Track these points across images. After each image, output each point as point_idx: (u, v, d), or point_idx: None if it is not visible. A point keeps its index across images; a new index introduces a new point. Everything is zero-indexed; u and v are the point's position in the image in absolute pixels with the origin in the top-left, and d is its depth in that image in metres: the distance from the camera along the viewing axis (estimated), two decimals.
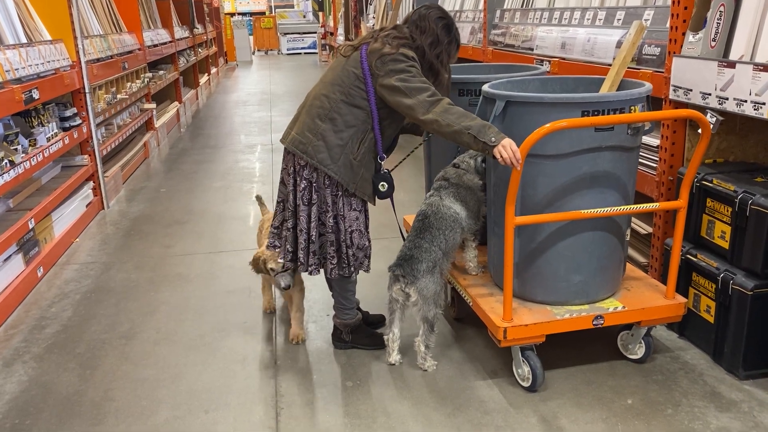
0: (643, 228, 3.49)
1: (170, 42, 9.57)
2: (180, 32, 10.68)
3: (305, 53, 23.39)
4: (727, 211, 2.73)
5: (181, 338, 3.25)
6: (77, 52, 5.04)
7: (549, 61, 4.32)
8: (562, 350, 2.91)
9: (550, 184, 2.62)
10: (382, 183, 2.88)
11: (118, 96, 6.20)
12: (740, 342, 2.68)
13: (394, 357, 2.93)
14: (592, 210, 2.56)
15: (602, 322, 2.70)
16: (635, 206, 2.67)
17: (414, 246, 2.83)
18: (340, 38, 15.55)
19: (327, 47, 20.03)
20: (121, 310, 3.59)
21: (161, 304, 3.65)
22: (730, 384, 2.69)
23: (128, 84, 6.71)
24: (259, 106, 11.11)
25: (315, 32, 22.84)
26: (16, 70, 3.90)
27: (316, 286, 3.65)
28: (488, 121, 2.63)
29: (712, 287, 2.81)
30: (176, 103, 9.87)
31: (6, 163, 3.62)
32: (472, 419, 2.53)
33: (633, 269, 3.08)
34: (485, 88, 2.79)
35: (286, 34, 23.47)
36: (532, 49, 4.71)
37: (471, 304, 2.92)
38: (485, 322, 2.76)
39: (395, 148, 3.03)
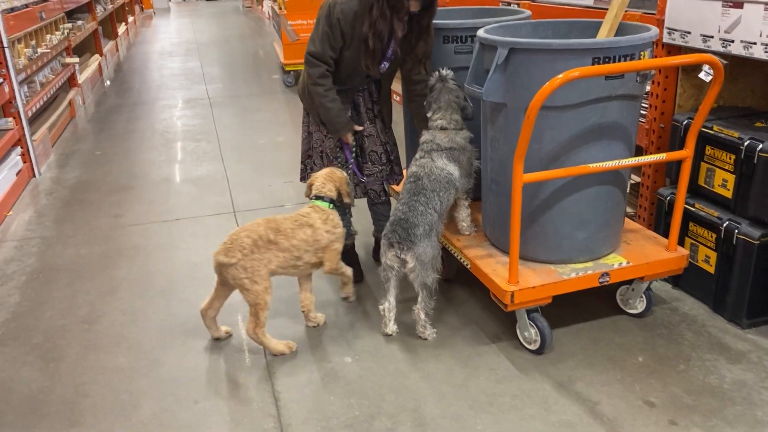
0: (631, 178, 3.40)
1: None
2: None
3: None
4: (730, 158, 2.66)
5: (151, 319, 2.97)
6: None
7: (517, 5, 4.12)
8: (561, 308, 2.81)
9: (556, 137, 2.46)
10: None
11: (39, 50, 5.59)
12: (744, 291, 2.65)
13: (391, 327, 2.76)
14: (601, 164, 2.42)
15: (608, 279, 2.61)
16: (643, 158, 2.55)
17: (408, 209, 2.63)
18: None
19: None
20: (76, 291, 3.25)
21: (121, 281, 3.33)
22: (734, 334, 2.67)
23: (48, 36, 6.07)
24: (186, 56, 10.45)
25: None
26: None
27: None
28: (490, 71, 2.43)
29: (712, 237, 2.76)
30: (97, 56, 9.12)
31: None
32: (485, 389, 2.41)
33: (627, 221, 2.99)
34: (482, 33, 2.57)
35: None
36: None
37: (469, 266, 2.77)
38: (488, 286, 2.62)
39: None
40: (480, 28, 2.76)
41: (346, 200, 2.84)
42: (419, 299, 2.68)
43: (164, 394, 2.47)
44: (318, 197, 2.76)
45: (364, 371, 2.54)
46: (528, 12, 3.14)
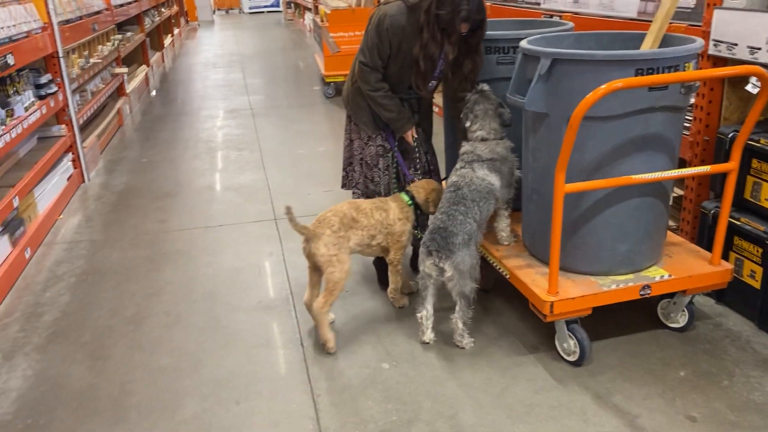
0: (674, 191, 3.37)
1: (135, 1, 9.04)
2: None
3: (268, 12, 22.60)
4: None
5: (194, 322, 3.04)
6: (48, 12, 4.64)
7: (559, 17, 4.12)
8: (600, 321, 2.78)
9: (599, 147, 2.46)
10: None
11: (91, 60, 5.79)
12: None
13: (428, 335, 2.77)
14: (643, 175, 2.41)
15: (649, 291, 2.59)
16: (687, 170, 2.53)
17: (448, 218, 2.65)
18: None
19: (292, 5, 19.40)
20: (122, 292, 3.35)
21: (165, 284, 3.42)
22: None
23: (99, 47, 6.28)
24: (229, 68, 10.67)
25: None
26: None
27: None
28: (532, 81, 2.45)
29: (758, 252, 2.71)
30: (144, 66, 9.38)
31: None
32: (523, 399, 2.40)
33: (669, 234, 2.96)
34: (525, 44, 2.59)
35: None
36: (538, 4, 4.50)
37: (509, 276, 2.77)
38: (528, 296, 2.61)
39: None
40: (522, 39, 2.79)
41: (430, 210, 2.96)
42: (457, 308, 2.69)
43: (206, 394, 2.52)
44: (407, 192, 2.96)
45: (401, 377, 2.56)
46: (571, 24, 3.15)
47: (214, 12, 21.55)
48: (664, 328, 2.80)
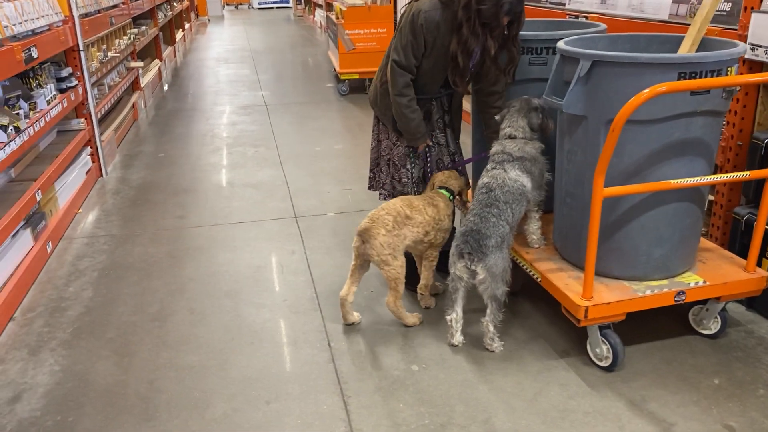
0: None
1: None
2: None
3: (277, 8, 22.60)
4: None
5: (219, 319, 3.02)
6: (69, 5, 4.62)
7: (586, 17, 4.08)
8: (632, 326, 2.76)
9: (638, 151, 2.43)
10: None
11: (109, 54, 5.77)
12: None
13: (458, 338, 2.75)
14: (683, 180, 2.38)
15: (684, 297, 2.56)
16: (727, 175, 2.51)
17: (480, 220, 2.62)
18: None
19: (302, 1, 19.36)
20: (146, 288, 3.33)
21: (188, 281, 3.40)
22: None
23: (116, 41, 6.26)
24: (240, 63, 10.65)
25: None
26: (13, 26, 3.52)
27: None
28: (570, 83, 2.42)
29: None
30: (157, 60, 9.36)
31: (11, 129, 3.27)
32: (557, 405, 2.38)
33: (702, 240, 2.92)
34: (562, 45, 2.56)
35: None
36: (563, 5, 4.46)
37: (540, 280, 2.74)
38: (561, 300, 2.59)
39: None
40: (555, 40, 2.76)
41: (466, 203, 3.06)
42: (488, 311, 2.66)
43: (235, 393, 2.50)
44: (442, 187, 2.99)
45: (431, 380, 2.54)
46: (603, 25, 3.11)
47: (223, 7, 21.53)
48: (696, 334, 2.78)
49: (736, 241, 2.93)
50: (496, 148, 2.85)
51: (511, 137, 2.82)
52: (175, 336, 2.90)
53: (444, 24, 2.74)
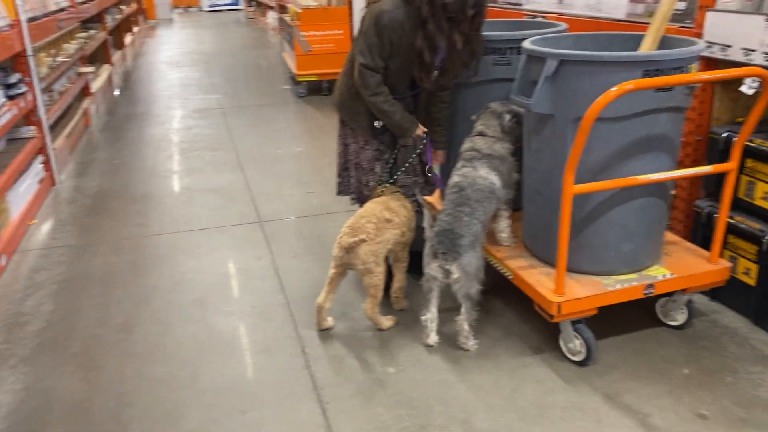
0: None
1: None
2: None
3: (228, 10, 22.26)
4: None
5: (187, 329, 2.95)
6: (16, 8, 4.45)
7: (543, 17, 4.14)
8: (600, 320, 2.78)
9: (605, 148, 2.47)
10: (377, 120, 2.94)
11: (59, 59, 5.59)
12: None
13: (433, 338, 2.75)
14: (649, 175, 2.43)
15: (653, 291, 2.61)
16: (690, 170, 2.57)
17: (453, 219, 2.63)
18: None
19: (254, 3, 19.14)
20: (109, 299, 3.22)
21: (153, 290, 3.31)
22: None
23: (65, 45, 6.07)
24: (193, 66, 10.45)
25: None
26: None
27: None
28: (538, 82, 2.45)
29: (753, 249, 2.76)
30: (107, 65, 9.12)
31: None
32: (534, 401, 2.40)
33: (666, 233, 2.99)
34: (528, 45, 2.59)
35: None
36: (520, 4, 4.52)
37: (512, 277, 2.76)
38: (533, 297, 2.61)
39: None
40: (518, 40, 2.79)
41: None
42: (462, 310, 2.67)
43: (209, 404, 2.44)
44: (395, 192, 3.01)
45: (409, 382, 2.53)
46: (565, 25, 3.16)
47: (172, 10, 21.11)
48: (663, 326, 2.84)
49: (698, 233, 3.00)
50: (466, 144, 2.86)
51: (481, 134, 2.85)
52: (143, 347, 2.82)
53: (408, 21, 2.72)
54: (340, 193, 3.22)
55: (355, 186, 3.13)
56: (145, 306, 3.15)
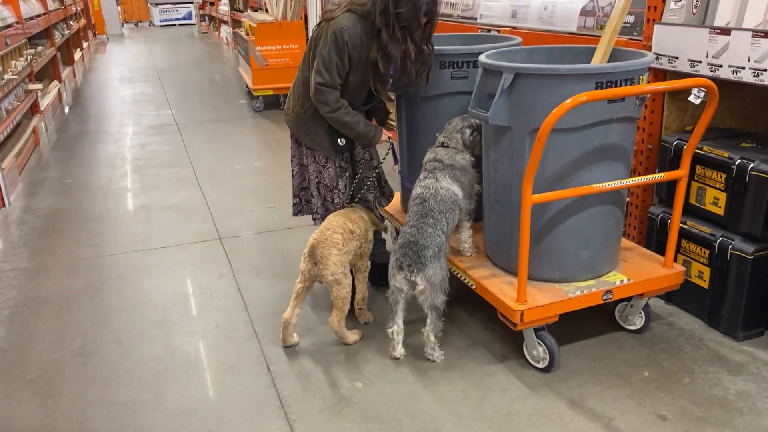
0: None
1: (44, 14, 8.59)
2: (51, 3, 9.62)
3: (180, 24, 22.06)
4: (721, 177, 2.77)
5: (149, 350, 2.89)
6: None
7: (498, 31, 4.22)
8: (562, 326, 2.84)
9: (561, 158, 2.53)
10: (340, 138, 2.96)
11: (6, 76, 5.44)
12: (739, 305, 2.75)
13: (399, 350, 2.75)
14: (605, 184, 2.50)
15: (611, 296, 2.67)
16: (644, 178, 2.64)
17: (417, 231, 2.65)
18: (223, 8, 14.77)
19: (206, 18, 19.00)
20: (65, 323, 3.14)
21: (112, 311, 3.23)
22: (730, 347, 2.76)
23: (12, 62, 5.92)
24: (146, 82, 10.31)
25: (190, 1, 21.58)
26: None
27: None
28: (495, 95, 2.49)
29: (705, 253, 2.86)
30: (56, 82, 8.91)
31: None
32: (501, 409, 2.42)
33: (622, 239, 3.07)
34: (484, 59, 2.64)
35: (157, 4, 21.98)
36: (475, 19, 4.60)
37: (475, 287, 2.79)
38: (496, 306, 2.65)
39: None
40: (475, 54, 2.84)
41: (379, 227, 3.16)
42: (428, 321, 2.69)
43: (174, 427, 2.40)
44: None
45: (377, 395, 2.53)
46: (519, 39, 3.23)
47: (122, 25, 20.80)
48: (622, 330, 2.91)
49: (653, 239, 3.09)
50: (428, 155, 2.90)
51: (443, 145, 2.89)
52: (103, 371, 2.75)
53: (366, 36, 2.74)
54: (297, 213, 3.20)
55: (319, 205, 3.11)
56: (104, 328, 3.08)
